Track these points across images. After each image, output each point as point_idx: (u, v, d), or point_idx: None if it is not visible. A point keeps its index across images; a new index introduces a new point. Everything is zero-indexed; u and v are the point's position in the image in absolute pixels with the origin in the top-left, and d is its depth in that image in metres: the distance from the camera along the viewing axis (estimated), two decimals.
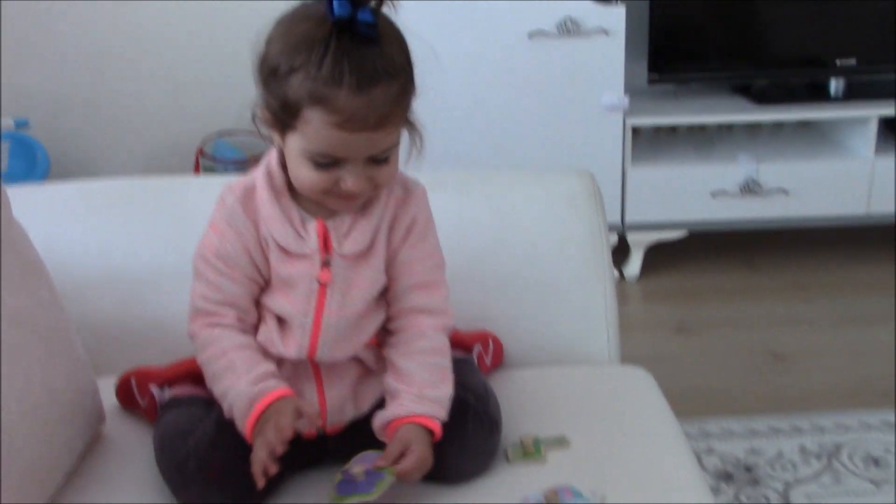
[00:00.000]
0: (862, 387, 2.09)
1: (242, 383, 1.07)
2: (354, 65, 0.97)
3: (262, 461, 1.01)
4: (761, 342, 2.31)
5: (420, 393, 1.10)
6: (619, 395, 1.31)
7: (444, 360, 1.14)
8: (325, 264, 1.09)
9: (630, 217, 2.61)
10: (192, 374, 1.26)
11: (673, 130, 2.85)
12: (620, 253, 2.68)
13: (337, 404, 1.14)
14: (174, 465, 1.10)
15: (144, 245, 1.44)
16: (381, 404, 1.13)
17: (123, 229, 1.45)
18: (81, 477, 1.16)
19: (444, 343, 1.15)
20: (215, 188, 1.49)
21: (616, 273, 2.66)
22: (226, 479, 1.07)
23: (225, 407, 1.09)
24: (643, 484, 1.11)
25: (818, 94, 2.67)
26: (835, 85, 2.65)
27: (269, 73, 1.01)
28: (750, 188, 2.58)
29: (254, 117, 1.06)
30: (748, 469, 1.80)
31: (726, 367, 2.21)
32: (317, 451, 1.14)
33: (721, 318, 2.44)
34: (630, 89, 2.53)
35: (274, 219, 1.08)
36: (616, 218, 2.59)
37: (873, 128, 2.56)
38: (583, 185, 1.48)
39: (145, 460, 1.17)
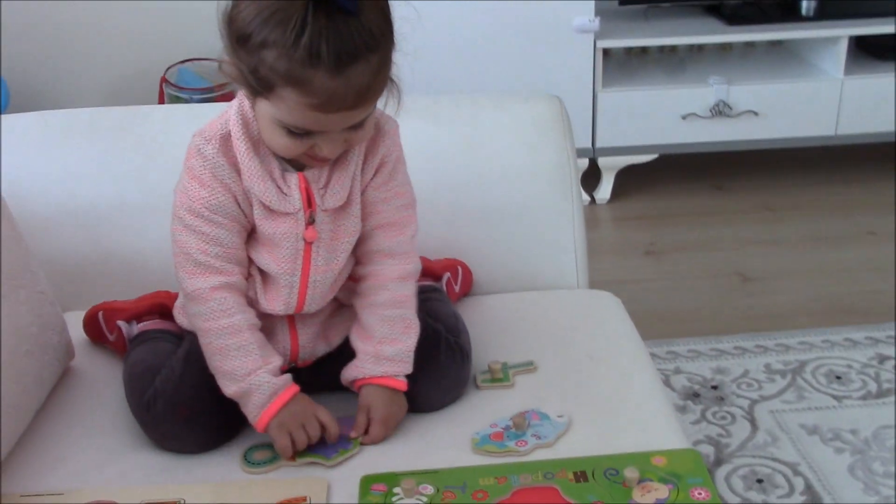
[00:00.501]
0: (827, 306, 2.13)
1: (262, 372, 1.04)
2: (332, 43, 0.91)
3: (287, 453, 1.05)
4: (729, 264, 2.34)
5: (377, 352, 1.10)
6: (587, 319, 1.33)
7: (406, 312, 1.12)
8: (310, 221, 1.07)
9: (601, 141, 2.61)
10: (160, 308, 1.26)
11: (644, 52, 2.83)
12: (592, 177, 2.68)
13: (309, 342, 1.15)
14: (142, 404, 1.10)
15: (108, 177, 1.41)
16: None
17: (86, 161, 1.42)
18: (53, 412, 1.16)
19: (407, 292, 1.12)
20: (180, 117, 1.49)
21: (587, 197, 2.67)
22: (194, 417, 1.08)
23: (231, 387, 1.05)
24: (609, 406, 1.13)
25: (790, 13, 2.65)
26: (806, 4, 2.63)
27: (239, 39, 0.95)
28: (720, 110, 2.58)
29: (220, 67, 1.00)
30: (714, 388, 1.84)
31: (694, 289, 2.24)
32: None
33: (690, 241, 2.46)
34: (600, 11, 2.49)
35: (254, 174, 1.04)
36: (587, 142, 2.59)
37: (843, 48, 2.56)
38: (551, 110, 1.47)
39: (117, 395, 1.18)
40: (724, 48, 2.83)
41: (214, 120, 1.06)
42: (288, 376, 1.07)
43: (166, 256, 1.39)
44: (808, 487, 1.57)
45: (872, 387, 1.82)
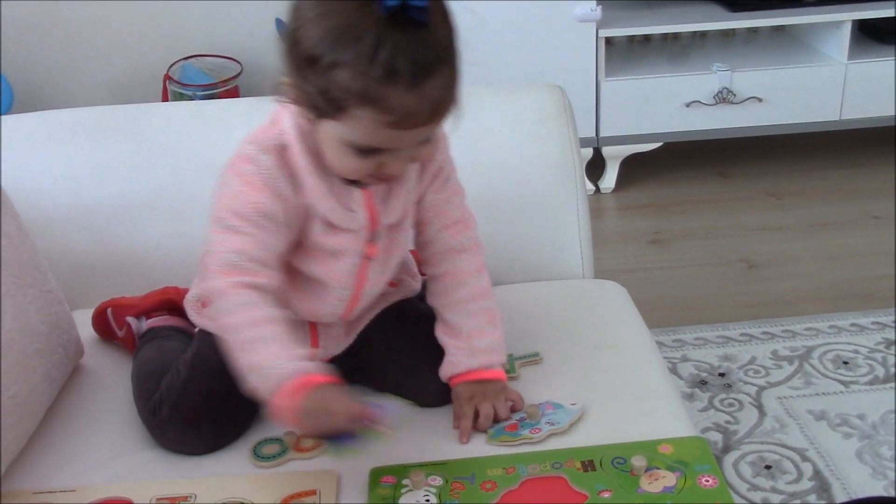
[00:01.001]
0: (833, 291, 2.13)
1: (283, 357, 0.97)
2: (409, 58, 0.88)
3: (317, 433, 1.00)
4: (735, 251, 2.34)
5: (470, 346, 1.10)
6: (592, 309, 1.33)
7: (488, 303, 1.12)
8: (371, 238, 1.06)
9: (605, 130, 2.60)
10: (168, 304, 1.26)
11: (646, 40, 2.82)
12: (596, 166, 2.68)
13: (331, 342, 1.14)
14: (149, 408, 1.11)
15: (113, 175, 1.42)
16: (369, 330, 1.15)
17: (91, 160, 1.43)
18: (63, 410, 1.17)
19: (485, 284, 1.13)
20: (184, 115, 1.50)
21: (591, 187, 2.67)
22: (199, 423, 1.09)
23: (253, 379, 0.98)
24: (615, 395, 1.13)
25: None
26: None
27: (306, 60, 0.92)
28: (724, 97, 2.57)
29: (277, 89, 0.97)
30: (722, 375, 1.84)
31: (700, 277, 2.24)
32: None
33: (695, 228, 2.46)
34: (602, 0, 2.49)
35: (318, 191, 1.01)
36: (591, 131, 2.58)
37: (847, 32, 2.55)
38: (553, 100, 1.47)
39: (126, 392, 1.18)
40: (727, 34, 2.82)
41: (264, 128, 1.03)
42: (314, 363, 1.00)
43: (172, 253, 1.40)
44: (817, 473, 1.57)
45: (880, 371, 1.82)
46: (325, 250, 1.05)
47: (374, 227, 1.06)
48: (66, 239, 1.39)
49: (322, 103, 0.93)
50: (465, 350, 1.10)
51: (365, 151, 0.95)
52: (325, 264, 1.06)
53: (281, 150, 1.00)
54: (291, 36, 0.93)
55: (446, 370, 1.11)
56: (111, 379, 1.23)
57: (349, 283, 1.07)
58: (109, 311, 1.28)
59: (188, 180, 1.42)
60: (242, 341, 0.98)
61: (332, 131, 0.95)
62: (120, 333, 1.27)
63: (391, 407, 1.07)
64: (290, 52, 0.94)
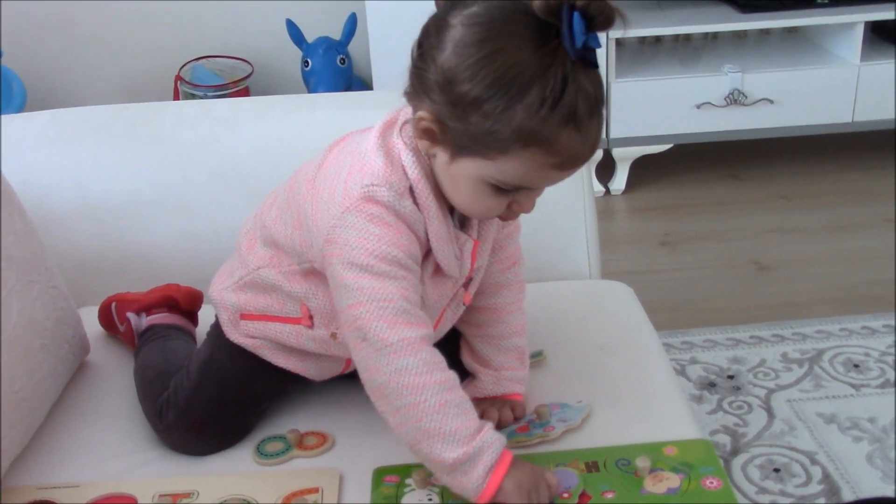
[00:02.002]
0: (844, 294, 2.11)
1: (490, 430, 0.92)
2: (587, 101, 0.86)
3: None
4: (745, 253, 2.33)
5: (497, 377, 1.09)
6: (598, 309, 1.32)
7: (521, 341, 1.11)
8: (466, 284, 1.05)
9: (615, 132, 2.59)
10: (169, 301, 1.27)
11: (657, 41, 2.81)
12: (606, 168, 2.67)
13: None
14: (155, 410, 1.11)
15: (121, 173, 1.43)
16: None
17: (100, 158, 1.44)
18: (68, 406, 1.17)
19: (522, 322, 1.12)
20: (192, 113, 1.50)
21: (602, 188, 2.66)
22: (205, 430, 1.09)
23: (453, 451, 0.90)
24: (620, 397, 1.12)
25: None
26: None
27: (470, 102, 0.87)
28: (735, 98, 2.56)
29: (413, 125, 0.93)
30: (731, 377, 1.83)
31: (711, 279, 2.22)
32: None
33: (706, 230, 2.45)
34: (614, 1, 2.48)
35: (442, 236, 0.97)
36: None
37: (859, 33, 2.53)
38: None
39: (131, 389, 1.19)
40: (739, 36, 2.81)
41: (383, 168, 0.94)
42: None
43: (179, 252, 1.41)
44: (826, 476, 1.56)
45: (891, 375, 1.80)
46: (427, 295, 1.00)
47: (471, 274, 1.04)
48: (72, 236, 1.39)
49: (477, 143, 0.89)
50: (493, 379, 1.10)
51: (504, 190, 0.92)
52: (424, 309, 0.99)
53: (405, 192, 0.94)
54: (445, 76, 0.88)
55: (471, 392, 1.08)
56: (116, 376, 1.23)
57: (431, 322, 1.01)
58: (113, 305, 1.29)
59: (196, 179, 1.43)
60: (439, 404, 0.90)
61: (473, 169, 0.91)
62: (121, 328, 1.28)
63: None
64: (441, 91, 0.88)
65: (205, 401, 1.09)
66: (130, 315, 1.26)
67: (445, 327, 1.08)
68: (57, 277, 1.19)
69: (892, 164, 2.71)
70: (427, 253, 0.98)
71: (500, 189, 0.92)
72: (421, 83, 0.91)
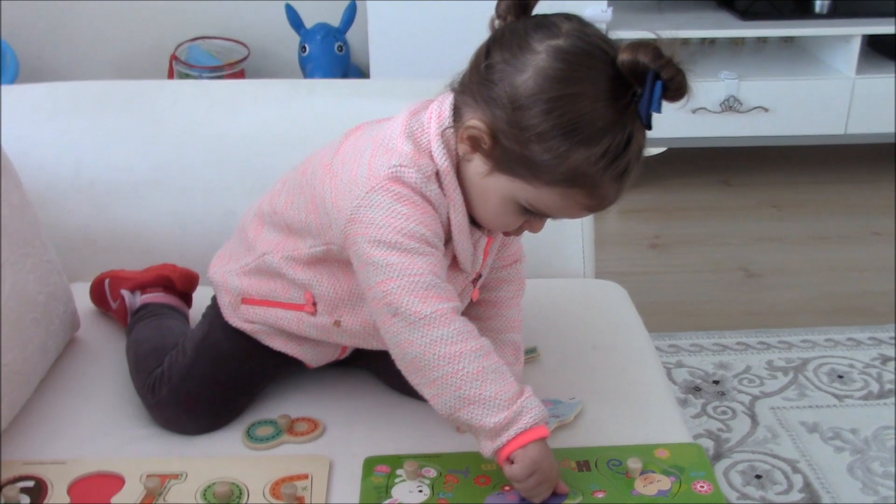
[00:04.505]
0: (830, 305, 2.13)
1: (529, 394, 0.93)
2: (636, 160, 0.90)
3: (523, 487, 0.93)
4: (734, 259, 2.34)
5: None
6: (592, 309, 1.32)
7: (517, 336, 1.12)
8: (475, 280, 1.05)
9: None
10: (164, 281, 1.26)
11: None
12: None
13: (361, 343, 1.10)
14: (147, 385, 1.10)
15: (117, 150, 1.41)
16: None
17: (95, 133, 1.42)
18: (57, 381, 1.16)
19: (519, 318, 1.13)
20: (189, 92, 1.49)
21: None
22: (197, 407, 1.08)
23: (494, 415, 0.90)
24: (612, 397, 1.12)
25: (803, 10, 2.64)
26: (820, 2, 2.62)
27: (531, 131, 0.87)
28: (730, 105, 2.57)
29: (460, 125, 0.92)
30: (716, 382, 1.84)
31: (699, 284, 2.23)
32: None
33: (696, 235, 2.46)
34: (613, 1, 2.48)
35: (462, 230, 0.97)
36: None
37: (856, 46, 2.55)
38: None
39: (121, 366, 1.18)
40: (736, 43, 2.82)
41: (412, 153, 0.94)
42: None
43: (173, 230, 1.40)
44: (807, 485, 1.57)
45: (874, 387, 1.82)
46: None
47: (480, 271, 1.05)
48: (67, 211, 1.38)
49: (526, 169, 0.90)
50: None
51: (529, 212, 0.94)
52: None
53: (434, 176, 0.94)
54: (518, 100, 0.87)
55: None
56: (106, 353, 1.22)
57: None
58: (107, 281, 1.28)
59: (192, 158, 1.42)
60: (477, 370, 0.90)
61: (509, 188, 0.92)
62: (114, 305, 1.27)
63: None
64: (508, 111, 0.88)
65: (198, 378, 1.08)
66: (125, 292, 1.24)
67: None
68: (51, 252, 1.18)
69: (882, 178, 2.72)
70: (445, 243, 0.97)
71: (523, 210, 0.94)
72: (484, 91, 0.90)
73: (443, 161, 0.94)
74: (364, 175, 0.94)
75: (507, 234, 1.02)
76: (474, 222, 0.99)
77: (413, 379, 0.94)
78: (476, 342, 0.92)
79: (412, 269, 0.91)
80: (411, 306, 0.91)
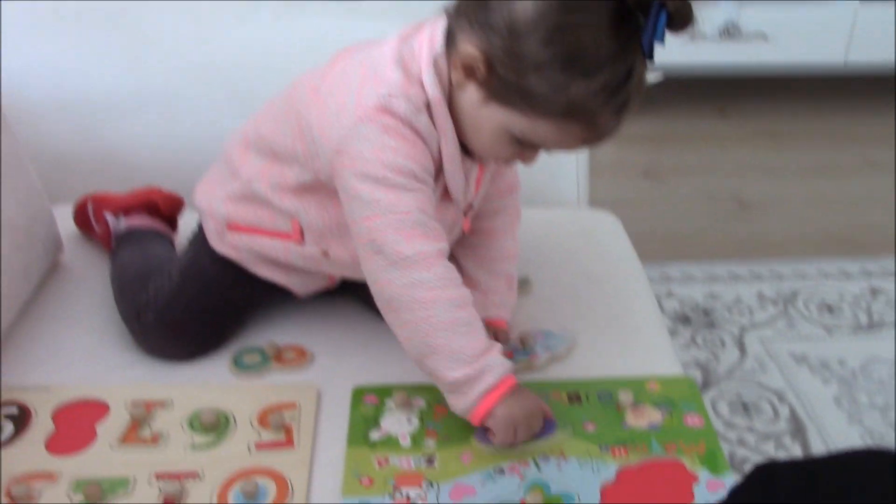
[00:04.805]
0: (823, 236, 2.12)
1: (496, 352, 0.91)
2: (636, 94, 0.86)
3: (506, 443, 0.92)
4: (727, 189, 2.32)
5: (484, 301, 1.07)
6: (586, 238, 1.30)
7: (511, 267, 1.10)
8: (466, 211, 1.03)
9: None
10: (150, 205, 1.23)
11: None
12: None
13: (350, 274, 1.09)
14: (133, 311, 1.08)
15: (100, 68, 1.37)
16: None
17: (78, 50, 1.38)
18: (40, 306, 1.14)
19: (514, 248, 1.11)
20: (177, 11, 1.44)
21: None
22: (183, 334, 1.06)
23: (456, 370, 0.89)
24: (604, 329, 1.12)
25: None
26: None
27: (529, 60, 0.83)
28: (729, 32, 2.52)
29: (453, 53, 0.89)
30: (706, 313, 1.84)
31: (691, 213, 2.22)
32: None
33: (690, 164, 2.43)
34: None
35: (454, 161, 0.94)
36: None
37: None
38: None
39: (105, 291, 1.16)
40: None
41: (401, 82, 0.90)
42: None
43: (159, 152, 1.37)
44: (793, 415, 1.58)
45: (863, 319, 1.82)
46: None
47: (472, 201, 1.03)
48: (48, 132, 1.34)
49: (522, 99, 0.86)
50: (480, 302, 1.07)
51: (524, 143, 0.91)
52: None
53: (427, 108, 0.91)
54: (517, 27, 0.83)
55: None
56: (90, 277, 1.20)
57: None
58: (90, 204, 1.25)
59: (178, 79, 1.38)
60: (449, 321, 0.89)
61: (503, 118, 0.89)
62: (97, 229, 1.24)
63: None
64: (506, 38, 0.84)
65: (185, 304, 1.06)
66: (108, 216, 1.22)
67: None
68: (31, 174, 1.15)
69: (880, 109, 2.69)
70: (436, 175, 0.95)
71: (517, 141, 0.90)
72: (480, 16, 0.86)
73: (434, 91, 0.90)
74: (352, 104, 0.90)
75: (502, 164, 0.99)
76: (466, 151, 0.96)
77: (388, 318, 0.93)
78: (454, 291, 0.90)
79: (399, 207, 0.89)
80: (395, 245, 0.89)
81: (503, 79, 0.86)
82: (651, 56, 0.85)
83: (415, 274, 0.89)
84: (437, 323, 0.89)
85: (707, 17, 2.50)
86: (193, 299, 1.07)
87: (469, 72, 0.88)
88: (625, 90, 0.85)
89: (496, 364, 0.90)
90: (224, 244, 1.06)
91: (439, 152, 0.93)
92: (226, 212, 1.05)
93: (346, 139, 0.90)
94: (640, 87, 0.87)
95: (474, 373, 0.89)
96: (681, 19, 0.83)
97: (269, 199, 1.01)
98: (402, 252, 0.89)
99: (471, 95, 0.90)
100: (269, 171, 1.01)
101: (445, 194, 0.97)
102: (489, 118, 0.89)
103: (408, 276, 0.89)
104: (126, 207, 1.22)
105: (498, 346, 0.92)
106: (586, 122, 0.87)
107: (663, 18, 0.82)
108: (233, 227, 1.05)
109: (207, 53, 1.39)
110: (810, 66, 2.61)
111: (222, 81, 1.38)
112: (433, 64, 0.90)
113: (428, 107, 0.91)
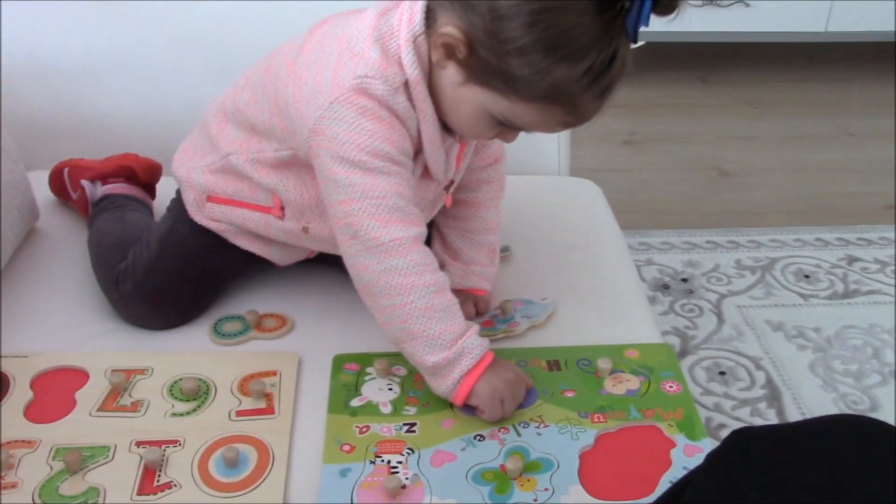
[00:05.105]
0: (801, 205, 2.13)
1: (472, 334, 0.91)
2: (619, 77, 0.85)
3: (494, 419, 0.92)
4: (707, 158, 2.32)
5: (466, 270, 1.08)
6: (566, 206, 1.31)
7: (493, 238, 1.10)
8: (448, 187, 1.02)
9: None
10: (127, 171, 1.22)
11: None
12: None
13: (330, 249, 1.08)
14: (111, 279, 1.07)
15: (75, 33, 1.35)
16: None
17: (55, 17, 1.35)
18: (17, 273, 1.13)
19: (496, 219, 1.11)
20: None
21: None
22: (162, 303, 1.06)
23: (434, 355, 0.90)
24: (584, 297, 1.12)
25: None
26: None
27: (511, 44, 0.82)
28: None
29: (433, 32, 0.87)
30: (684, 280, 1.85)
31: (671, 181, 2.22)
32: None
33: (670, 132, 2.43)
34: None
35: (434, 138, 0.93)
36: None
37: None
38: None
39: (83, 258, 1.15)
40: None
41: (379, 62, 0.88)
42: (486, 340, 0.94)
43: (135, 119, 1.35)
44: (769, 381, 1.60)
45: (839, 287, 1.84)
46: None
47: (454, 177, 1.02)
48: (23, 97, 1.32)
49: (503, 82, 0.85)
50: (461, 272, 1.08)
51: (503, 124, 0.90)
52: None
53: (406, 88, 0.90)
54: (499, 10, 0.82)
55: None
56: (67, 243, 1.19)
57: None
58: (66, 171, 1.23)
59: (155, 44, 1.36)
60: (426, 307, 0.89)
61: (484, 100, 0.87)
62: (74, 196, 1.23)
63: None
64: (487, 21, 0.83)
65: (163, 273, 1.06)
66: (85, 183, 1.20)
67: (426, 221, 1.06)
68: (7, 139, 1.13)
69: (859, 78, 2.70)
70: (415, 155, 0.94)
71: (497, 122, 0.90)
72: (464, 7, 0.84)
73: (413, 70, 0.89)
74: (328, 83, 0.89)
75: (487, 140, 0.99)
76: (447, 128, 0.95)
77: (365, 301, 0.93)
78: (430, 276, 0.90)
79: (375, 191, 0.88)
80: (371, 231, 0.88)
81: (484, 60, 0.85)
82: (635, 40, 0.84)
83: (391, 260, 0.89)
84: (414, 310, 0.89)
85: None
86: (172, 269, 1.06)
87: (449, 52, 0.87)
88: (608, 74, 0.84)
89: (474, 346, 0.91)
90: (203, 215, 1.06)
91: (418, 133, 0.92)
92: (205, 182, 1.04)
93: (321, 119, 0.89)
94: (623, 70, 0.86)
95: (453, 356, 0.90)
96: (667, 2, 0.82)
97: (247, 173, 1.00)
98: (377, 238, 0.88)
99: (451, 75, 0.88)
100: (248, 144, 1.00)
101: (426, 173, 0.97)
102: (469, 99, 0.88)
103: (384, 262, 0.89)
104: (103, 174, 1.21)
105: (475, 328, 0.93)
106: (568, 106, 0.86)
107: (649, 2, 0.81)
108: (213, 198, 1.04)
109: (186, 20, 1.37)
110: (791, 35, 2.61)
111: (199, 46, 1.36)
112: (412, 42, 0.89)
113: (406, 86, 0.89)
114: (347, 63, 0.89)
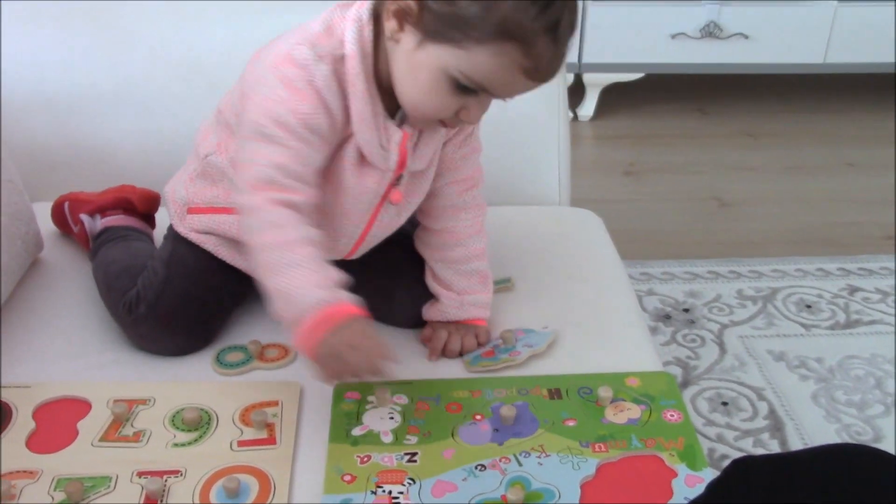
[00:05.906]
0: (801, 235, 2.14)
1: (313, 283, 0.89)
2: (571, 17, 0.88)
3: (336, 379, 0.94)
4: (707, 188, 2.33)
5: (461, 301, 1.08)
6: (567, 237, 1.31)
7: (481, 264, 1.10)
8: (395, 182, 1.01)
9: (588, 56, 2.56)
10: (124, 203, 1.23)
11: None
12: (576, 93, 2.64)
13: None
14: (123, 305, 1.08)
15: (81, 66, 1.37)
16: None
17: (58, 47, 1.37)
18: (20, 303, 1.14)
19: (481, 246, 1.11)
20: (158, 9, 1.43)
21: (570, 113, 2.63)
22: (175, 324, 1.06)
23: (280, 304, 0.90)
24: (585, 325, 1.12)
25: None
26: None
27: None
28: (710, 31, 2.53)
29: (378, 21, 0.91)
30: (686, 310, 1.85)
31: (672, 212, 2.23)
32: None
33: (670, 163, 2.45)
34: None
35: (365, 118, 0.94)
36: (573, 56, 2.53)
37: None
38: None
39: (86, 288, 1.15)
40: None
41: (318, 34, 0.93)
42: (345, 294, 0.91)
43: (139, 150, 1.36)
44: (772, 412, 1.60)
45: (841, 317, 1.84)
46: (349, 184, 0.98)
47: (400, 171, 1.01)
48: (28, 129, 1.33)
49: (455, 29, 0.86)
50: (457, 303, 1.09)
51: (463, 89, 0.90)
52: (340, 199, 0.99)
53: (337, 62, 0.92)
54: None
55: (433, 315, 1.10)
56: (71, 274, 1.19)
57: (361, 223, 1.03)
58: (66, 205, 1.24)
59: (159, 77, 1.37)
60: (272, 263, 0.90)
61: (441, 58, 0.88)
62: (75, 229, 1.24)
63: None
64: None
65: (172, 295, 1.07)
66: (84, 217, 1.22)
67: (382, 233, 1.07)
68: (12, 170, 1.14)
69: (858, 109, 2.72)
70: (350, 136, 0.96)
71: (458, 87, 0.90)
72: None
73: (351, 45, 0.92)
74: (272, 53, 0.94)
75: (443, 124, 0.97)
76: (393, 115, 0.97)
77: None
78: (287, 233, 0.90)
79: (258, 157, 0.91)
80: (240, 195, 0.93)
81: (435, 12, 0.87)
82: None
83: (248, 220, 0.93)
84: (261, 265, 0.91)
85: (689, 15, 2.53)
86: (182, 289, 1.07)
87: (402, 17, 0.89)
88: (554, 8, 0.86)
89: (303, 296, 0.89)
90: (185, 227, 1.08)
91: (347, 110, 0.94)
92: (186, 194, 1.07)
93: (252, 84, 0.94)
94: (570, 12, 0.88)
95: (298, 312, 0.89)
96: None
97: (225, 171, 1.03)
98: (239, 200, 0.93)
99: (406, 44, 0.90)
100: (226, 143, 1.03)
101: (364, 160, 0.98)
102: (425, 63, 0.90)
103: (244, 222, 0.94)
104: (101, 207, 1.22)
105: (325, 283, 0.90)
106: (522, 45, 0.86)
107: None
108: (193, 209, 1.07)
109: (190, 52, 1.39)
110: (790, 66, 2.63)
111: (201, 79, 1.37)
112: (357, 23, 0.93)
113: (343, 61, 0.92)
114: (290, 36, 0.94)
